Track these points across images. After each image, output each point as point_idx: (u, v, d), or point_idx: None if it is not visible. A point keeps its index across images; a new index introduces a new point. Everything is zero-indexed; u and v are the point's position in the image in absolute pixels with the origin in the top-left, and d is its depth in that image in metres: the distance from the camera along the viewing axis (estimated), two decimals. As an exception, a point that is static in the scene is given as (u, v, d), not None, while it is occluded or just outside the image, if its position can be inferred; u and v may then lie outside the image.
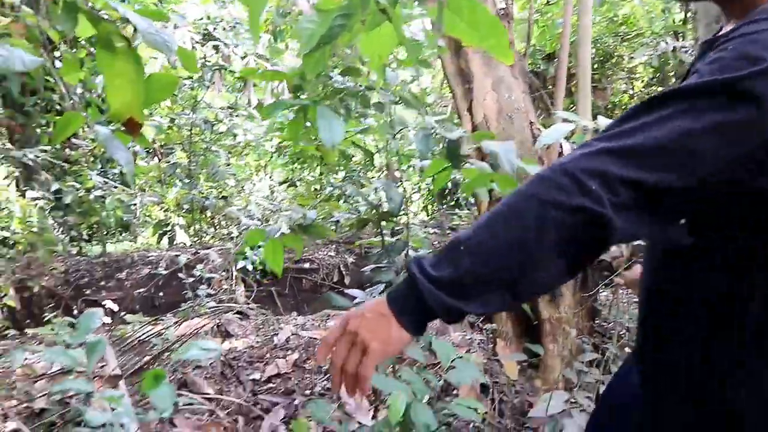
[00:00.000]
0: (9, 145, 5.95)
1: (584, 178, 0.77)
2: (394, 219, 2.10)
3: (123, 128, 1.43)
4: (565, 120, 2.11)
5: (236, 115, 6.23)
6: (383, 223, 2.15)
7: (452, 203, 6.41)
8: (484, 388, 2.68)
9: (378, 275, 2.06)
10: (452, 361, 1.77)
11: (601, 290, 3.13)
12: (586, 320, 2.96)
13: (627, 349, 2.96)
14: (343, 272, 5.10)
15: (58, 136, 1.65)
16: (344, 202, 5.85)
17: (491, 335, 3.02)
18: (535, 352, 2.60)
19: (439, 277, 0.82)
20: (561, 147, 2.81)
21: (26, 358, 3.69)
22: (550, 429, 2.17)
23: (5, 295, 4.65)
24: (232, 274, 4.31)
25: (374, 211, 2.13)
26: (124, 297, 5.15)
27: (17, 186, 5.61)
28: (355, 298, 2.13)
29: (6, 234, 5.10)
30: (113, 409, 2.75)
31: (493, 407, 2.58)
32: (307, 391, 2.80)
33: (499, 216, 0.83)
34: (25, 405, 2.99)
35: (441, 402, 1.93)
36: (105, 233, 6.38)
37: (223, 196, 6.05)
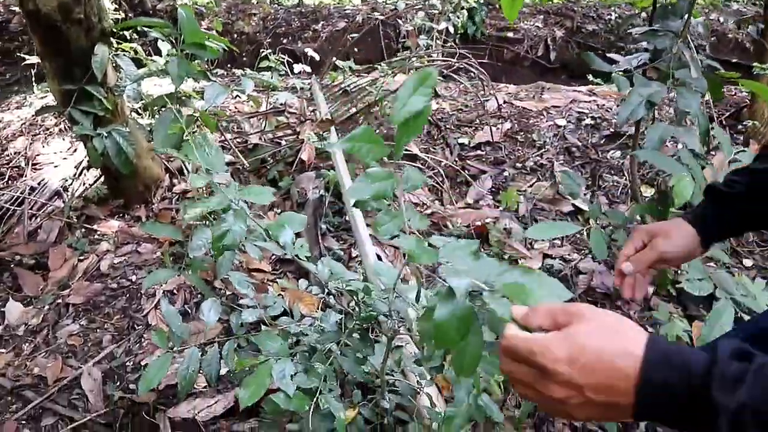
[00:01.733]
0: None
1: None
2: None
3: None
4: None
5: None
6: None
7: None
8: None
9: (651, 38, 1.70)
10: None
11: None
12: None
13: None
14: (550, 46, 4.60)
15: None
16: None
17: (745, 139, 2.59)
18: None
19: None
20: None
21: (237, 96, 3.82)
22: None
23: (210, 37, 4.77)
24: (433, 35, 4.04)
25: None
26: (319, 49, 5.13)
27: None
28: (614, 62, 1.81)
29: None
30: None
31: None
32: (519, 164, 2.64)
33: None
34: (241, 139, 3.14)
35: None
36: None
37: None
